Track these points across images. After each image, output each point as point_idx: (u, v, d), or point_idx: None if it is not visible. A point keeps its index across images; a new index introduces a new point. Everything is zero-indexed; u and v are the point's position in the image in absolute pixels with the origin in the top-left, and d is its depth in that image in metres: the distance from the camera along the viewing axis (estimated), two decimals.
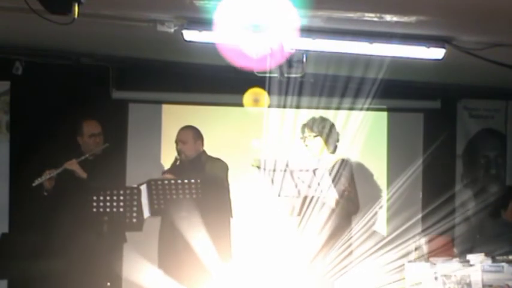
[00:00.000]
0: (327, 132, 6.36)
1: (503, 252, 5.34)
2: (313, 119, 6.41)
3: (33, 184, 6.54)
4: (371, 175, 8.00)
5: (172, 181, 6.20)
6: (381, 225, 8.07)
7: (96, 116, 7.03)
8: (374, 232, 8.05)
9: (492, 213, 7.32)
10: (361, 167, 7.84)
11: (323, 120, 6.41)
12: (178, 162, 6.65)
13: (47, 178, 6.56)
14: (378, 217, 8.06)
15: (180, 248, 6.27)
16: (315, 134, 6.35)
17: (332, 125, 6.41)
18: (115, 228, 6.14)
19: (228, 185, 6.67)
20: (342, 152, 6.50)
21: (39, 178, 6.57)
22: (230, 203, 6.68)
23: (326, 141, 6.37)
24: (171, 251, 6.54)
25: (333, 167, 6.04)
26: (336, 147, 6.43)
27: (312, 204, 6.17)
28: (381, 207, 8.05)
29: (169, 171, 6.68)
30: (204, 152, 6.77)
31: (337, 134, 6.43)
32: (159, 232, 6.72)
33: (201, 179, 6.24)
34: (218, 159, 6.75)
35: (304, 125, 6.42)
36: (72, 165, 6.67)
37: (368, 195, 7.95)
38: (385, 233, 8.06)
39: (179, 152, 6.66)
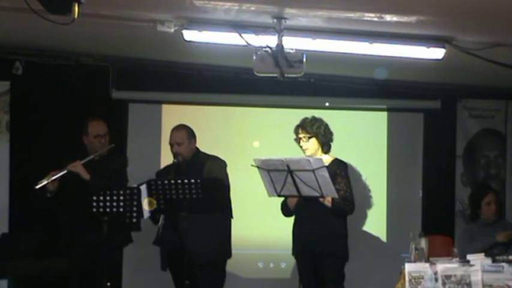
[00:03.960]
0: (321, 132, 6.36)
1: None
2: (306, 120, 6.41)
3: (36, 187, 6.46)
4: (370, 175, 8.00)
5: (172, 181, 6.19)
6: (381, 225, 8.08)
7: (96, 116, 7.02)
8: (373, 232, 8.07)
9: (471, 216, 7.31)
10: (359, 167, 7.85)
11: (316, 120, 6.41)
12: (175, 161, 6.62)
13: (49, 181, 6.50)
14: (377, 217, 8.07)
15: (182, 247, 6.25)
16: (309, 135, 6.35)
17: (326, 125, 6.41)
18: (115, 228, 6.13)
19: (228, 183, 6.66)
20: (337, 152, 6.49)
21: (42, 180, 6.49)
22: (230, 203, 6.68)
23: (320, 142, 6.37)
24: (172, 250, 6.54)
25: (328, 167, 6.04)
26: (330, 147, 6.43)
27: (309, 204, 6.17)
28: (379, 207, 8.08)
29: (166, 171, 6.67)
30: (198, 150, 6.76)
31: (331, 133, 6.43)
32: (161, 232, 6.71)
33: (204, 179, 6.22)
34: (216, 158, 6.73)
35: (298, 126, 6.41)
36: (77, 167, 6.59)
37: (366, 195, 7.98)
38: (384, 233, 8.07)
39: (176, 154, 6.63)
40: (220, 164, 6.69)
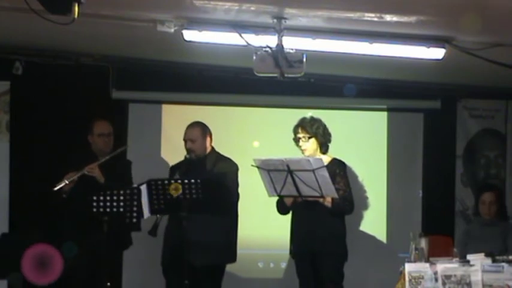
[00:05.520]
0: (320, 133, 6.37)
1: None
2: (305, 120, 6.42)
3: (55, 189, 6.44)
4: (369, 175, 8.00)
5: (172, 181, 6.19)
6: (381, 225, 8.07)
7: (100, 117, 7.04)
8: (373, 232, 8.07)
9: (474, 213, 7.35)
10: (359, 167, 7.84)
11: (315, 121, 6.42)
12: (187, 157, 6.63)
13: (66, 183, 6.49)
14: (377, 217, 8.07)
15: (184, 247, 6.25)
16: (309, 135, 6.36)
17: (324, 126, 6.42)
18: (115, 228, 6.13)
19: (236, 186, 6.67)
20: (337, 152, 6.50)
21: (60, 183, 6.47)
22: (235, 206, 6.69)
23: (319, 142, 6.38)
24: (174, 250, 6.55)
25: (327, 166, 6.05)
26: (328, 147, 6.44)
27: (307, 203, 6.17)
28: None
29: (178, 166, 6.67)
30: (213, 149, 6.77)
31: (330, 134, 6.44)
32: (165, 232, 6.71)
33: (205, 179, 6.22)
34: (228, 160, 6.76)
35: (297, 126, 6.42)
36: (93, 170, 6.61)
37: (366, 195, 7.98)
38: (384, 234, 8.06)
39: (188, 151, 6.65)
40: (231, 168, 6.70)
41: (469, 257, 5.23)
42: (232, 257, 6.77)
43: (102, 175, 6.62)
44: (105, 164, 6.69)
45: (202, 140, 6.70)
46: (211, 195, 6.14)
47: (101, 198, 6.07)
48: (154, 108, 8.00)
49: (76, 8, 4.17)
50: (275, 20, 5.57)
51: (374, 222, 8.04)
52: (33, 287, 6.79)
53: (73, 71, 7.61)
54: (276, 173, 6.00)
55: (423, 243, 5.36)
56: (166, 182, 6.19)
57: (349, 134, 7.87)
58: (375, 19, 5.47)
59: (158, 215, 6.28)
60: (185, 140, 6.72)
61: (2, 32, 6.76)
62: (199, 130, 6.73)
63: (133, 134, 7.89)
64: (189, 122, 6.88)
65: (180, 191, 6.09)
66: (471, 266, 5.11)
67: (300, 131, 6.40)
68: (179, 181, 6.17)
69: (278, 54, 5.62)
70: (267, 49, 5.65)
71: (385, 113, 8.18)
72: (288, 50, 5.65)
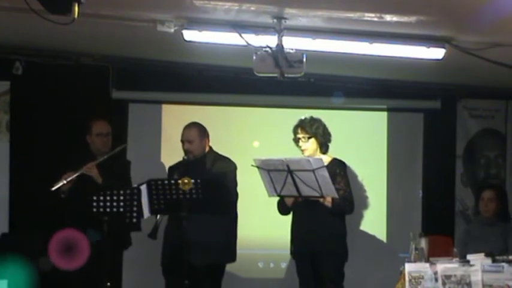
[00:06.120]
0: (320, 133, 6.37)
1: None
2: (305, 120, 6.41)
3: (52, 188, 6.47)
4: (369, 175, 8.00)
5: (172, 181, 6.19)
6: (381, 225, 8.07)
7: (99, 117, 7.04)
8: (373, 232, 8.07)
9: (474, 213, 7.37)
10: (359, 167, 7.84)
11: (315, 121, 6.42)
12: (185, 158, 6.63)
13: (64, 183, 6.50)
14: (377, 217, 8.07)
15: (184, 247, 6.26)
16: (308, 135, 6.36)
17: (324, 126, 6.42)
18: (115, 228, 6.13)
19: (235, 185, 6.67)
20: (337, 152, 6.50)
21: (58, 182, 6.49)
22: (235, 205, 6.69)
23: (319, 142, 6.38)
24: (174, 250, 6.55)
25: (327, 166, 6.05)
26: (328, 147, 6.44)
27: (307, 203, 6.17)
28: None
29: (176, 167, 6.68)
30: (211, 149, 6.77)
31: (329, 134, 6.43)
32: (165, 232, 6.72)
33: (205, 179, 6.22)
34: (227, 159, 6.75)
35: (297, 126, 6.42)
36: (91, 170, 6.63)
37: (366, 195, 7.98)
38: (384, 233, 8.06)
39: (186, 152, 6.65)
40: (229, 167, 6.70)
41: (469, 257, 5.23)
42: (232, 256, 6.78)
43: (99, 175, 6.63)
44: (103, 164, 6.70)
45: (199, 141, 6.69)
46: (211, 195, 6.14)
47: (101, 198, 6.07)
48: (154, 108, 8.00)
49: (76, 8, 4.18)
50: (275, 20, 5.58)
51: (374, 222, 8.04)
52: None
53: (73, 71, 7.61)
54: (276, 173, 6.00)
55: (423, 243, 5.36)
56: (166, 182, 6.19)
57: (349, 134, 7.87)
58: (375, 19, 5.48)
59: (158, 218, 6.27)
60: (182, 141, 6.71)
61: (2, 32, 6.76)
62: (196, 131, 6.72)
63: (133, 134, 7.89)
64: (188, 122, 6.87)
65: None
66: (471, 266, 5.11)
67: (299, 131, 6.39)
68: (174, 181, 6.15)
69: (278, 54, 5.63)
70: (267, 49, 5.65)
71: (385, 113, 8.18)
72: (288, 50, 5.65)
